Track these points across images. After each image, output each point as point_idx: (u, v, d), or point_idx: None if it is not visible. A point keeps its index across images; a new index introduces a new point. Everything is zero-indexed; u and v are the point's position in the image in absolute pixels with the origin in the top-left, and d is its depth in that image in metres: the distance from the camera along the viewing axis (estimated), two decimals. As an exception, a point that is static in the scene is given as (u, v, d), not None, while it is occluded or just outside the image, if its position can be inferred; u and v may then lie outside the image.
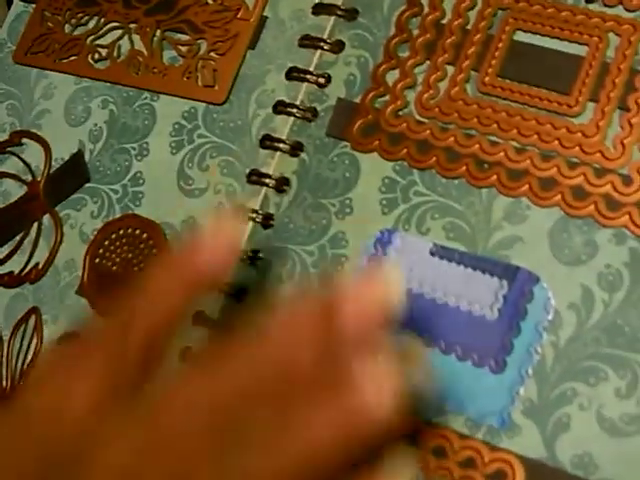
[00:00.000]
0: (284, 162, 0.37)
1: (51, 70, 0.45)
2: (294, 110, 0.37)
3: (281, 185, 0.37)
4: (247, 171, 0.38)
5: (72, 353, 0.26)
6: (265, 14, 0.40)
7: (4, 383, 0.42)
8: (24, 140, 0.45)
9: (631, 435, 0.29)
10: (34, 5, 0.47)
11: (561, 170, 0.31)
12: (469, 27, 0.34)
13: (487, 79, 0.33)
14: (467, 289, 0.32)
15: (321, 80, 0.37)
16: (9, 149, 0.45)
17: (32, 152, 0.44)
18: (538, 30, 0.33)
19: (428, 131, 0.34)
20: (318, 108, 0.37)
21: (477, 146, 0.33)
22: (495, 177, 0.32)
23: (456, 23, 0.34)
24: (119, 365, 0.25)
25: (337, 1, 0.38)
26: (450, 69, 0.34)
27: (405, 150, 0.34)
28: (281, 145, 0.37)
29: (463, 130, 0.33)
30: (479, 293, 0.32)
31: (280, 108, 0.38)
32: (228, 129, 0.39)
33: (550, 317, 0.30)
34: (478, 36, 0.34)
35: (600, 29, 0.32)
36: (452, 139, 0.33)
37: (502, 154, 0.32)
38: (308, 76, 0.37)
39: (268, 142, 0.38)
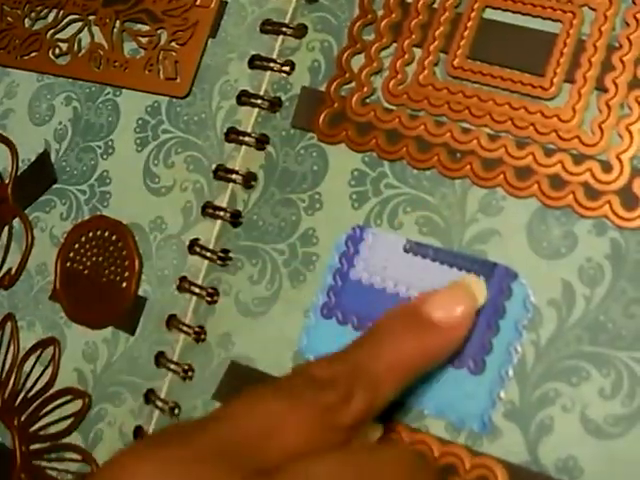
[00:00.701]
0: (250, 156, 0.35)
1: (13, 67, 0.43)
2: (258, 101, 0.35)
3: (248, 181, 0.35)
4: (213, 167, 0.36)
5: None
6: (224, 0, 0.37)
7: (-17, 392, 0.41)
8: (-10, 141, 0.43)
9: (617, 437, 0.27)
10: (-8, -1, 0.44)
11: (537, 158, 0.28)
12: (436, 5, 0.32)
13: (456, 61, 0.31)
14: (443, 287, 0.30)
15: (285, 68, 0.35)
16: (-25, 151, 0.43)
17: (-1, 154, 0.43)
18: (508, 7, 0.30)
19: (397, 119, 0.31)
20: (283, 98, 0.35)
21: (448, 134, 0.30)
22: (468, 167, 0.30)
23: (422, 2, 0.32)
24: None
25: (295, -19, 0.35)
26: (418, 52, 0.32)
27: (374, 140, 0.32)
28: (246, 138, 0.35)
29: (433, 117, 0.31)
30: (455, 291, 0.30)
31: (244, 99, 0.35)
32: (192, 123, 0.37)
33: (530, 315, 0.28)
34: (446, 15, 0.31)
35: (573, 3, 0.29)
36: (422, 127, 0.31)
37: (475, 142, 0.30)
38: (271, 64, 0.35)
39: (233, 135, 0.35)
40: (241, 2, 0.37)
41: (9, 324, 0.40)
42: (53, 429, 0.38)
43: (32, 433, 0.39)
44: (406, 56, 0.32)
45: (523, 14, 0.30)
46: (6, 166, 0.42)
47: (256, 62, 0.35)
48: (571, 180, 0.28)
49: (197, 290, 0.35)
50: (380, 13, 0.33)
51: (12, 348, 0.40)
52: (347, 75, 0.33)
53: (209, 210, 0.35)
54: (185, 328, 0.35)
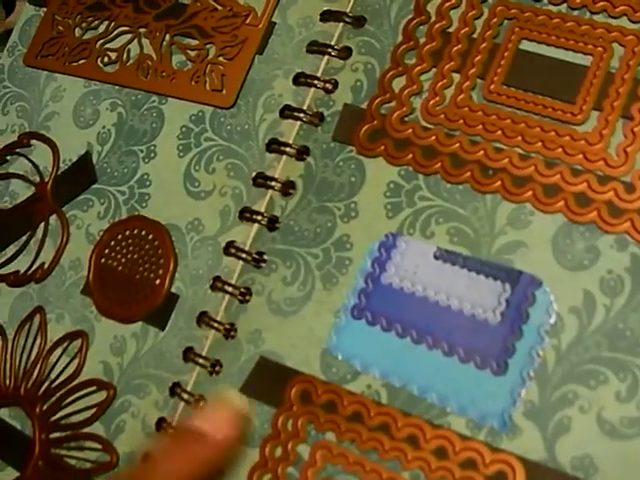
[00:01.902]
0: (290, 166, 0.38)
1: (61, 73, 0.45)
2: (301, 115, 0.38)
3: (287, 188, 0.37)
4: (253, 174, 0.38)
5: None
6: (274, 20, 0.40)
7: (7, 382, 0.42)
8: (33, 142, 0.45)
9: (631, 438, 0.29)
10: (45, 9, 0.47)
11: (565, 177, 0.31)
12: (475, 36, 0.35)
13: (493, 87, 0.34)
14: (470, 292, 0.32)
15: (328, 86, 0.38)
16: (18, 150, 0.45)
17: (40, 153, 0.45)
18: (544, 40, 0.33)
19: (433, 137, 0.34)
20: (325, 113, 0.37)
21: (482, 152, 0.33)
22: (499, 183, 0.32)
23: (462, 31, 0.35)
24: None
25: (345, 8, 0.38)
26: (456, 77, 0.35)
27: (410, 155, 0.35)
28: (287, 149, 0.37)
29: (468, 137, 0.34)
30: (482, 296, 0.32)
31: (287, 113, 0.38)
32: (235, 133, 0.39)
33: (552, 321, 0.31)
34: (484, 45, 0.34)
35: (605, 39, 0.32)
36: (457, 145, 0.34)
37: (507, 160, 0.33)
38: (315, 81, 0.38)
39: (275, 146, 0.38)
40: (289, 24, 0.40)
41: (38, 316, 0.42)
42: (75, 419, 0.40)
43: (53, 422, 0.40)
44: (445, 80, 0.35)
45: (557, 47, 0.33)
46: (47, 165, 0.44)
47: (300, 79, 0.38)
48: (596, 198, 0.31)
49: (230, 289, 0.37)
50: (422, 40, 0.36)
51: (39, 340, 0.42)
52: (388, 95, 0.36)
53: (247, 214, 0.38)
54: (216, 324, 0.37)
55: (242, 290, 0.37)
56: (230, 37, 0.41)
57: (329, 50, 0.38)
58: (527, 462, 0.30)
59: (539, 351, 0.31)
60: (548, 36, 0.33)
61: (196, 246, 0.39)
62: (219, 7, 0.42)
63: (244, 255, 0.37)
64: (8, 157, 0.46)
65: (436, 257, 0.33)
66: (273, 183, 0.37)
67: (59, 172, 0.44)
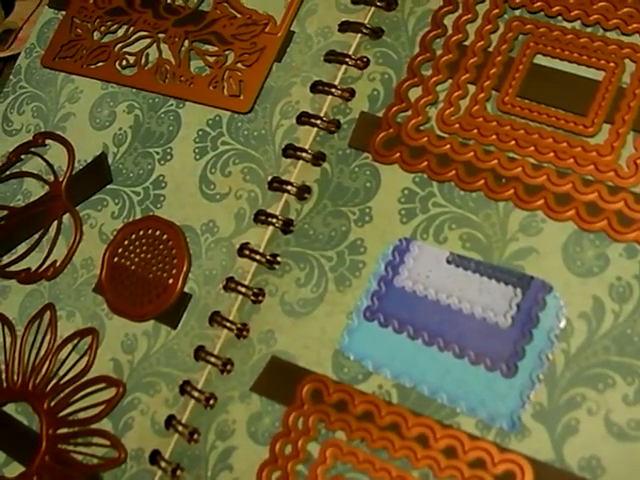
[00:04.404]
0: (306, 171, 0.39)
1: (78, 75, 0.47)
2: (317, 121, 0.39)
3: (303, 193, 0.39)
4: (269, 178, 0.40)
5: None
6: (292, 29, 0.42)
7: (15, 377, 0.43)
8: (48, 141, 0.46)
9: (638, 440, 0.30)
10: (64, 12, 0.49)
11: (576, 186, 0.33)
12: (491, 49, 0.37)
13: (507, 98, 0.35)
14: (482, 296, 0.34)
15: (345, 94, 0.39)
16: (32, 149, 0.47)
17: (55, 153, 0.46)
18: (558, 54, 0.35)
19: (448, 145, 0.36)
20: (341, 120, 0.39)
21: (496, 161, 0.35)
22: (512, 191, 0.34)
23: (478, 45, 0.37)
24: None
25: (363, 20, 0.40)
26: (471, 88, 0.36)
27: (425, 163, 0.36)
28: (304, 154, 0.39)
29: (482, 146, 0.35)
30: (493, 301, 0.33)
31: (304, 119, 0.40)
32: (252, 137, 0.41)
33: (562, 325, 0.32)
34: (499, 58, 0.36)
35: (617, 55, 0.34)
36: (472, 154, 0.35)
37: (519, 169, 0.34)
38: (333, 89, 0.39)
39: (291, 151, 0.39)
40: (308, 33, 0.41)
41: (48, 313, 0.43)
42: (83, 415, 0.41)
43: (61, 418, 0.41)
44: (460, 91, 0.36)
45: (570, 62, 0.35)
46: (61, 165, 0.46)
47: (318, 87, 0.40)
48: (606, 208, 0.32)
49: (243, 290, 0.38)
50: (439, 52, 0.38)
51: (49, 336, 0.43)
52: (404, 104, 0.37)
53: (262, 217, 0.39)
54: (228, 324, 0.38)
55: (255, 291, 0.38)
56: (249, 44, 0.42)
57: (347, 60, 0.39)
58: (535, 462, 0.31)
59: (549, 355, 0.32)
60: (562, 51, 0.35)
61: (210, 247, 0.40)
62: (238, 15, 0.43)
63: (258, 257, 0.38)
64: (22, 156, 0.47)
65: (449, 262, 0.35)
66: (289, 187, 0.39)
67: (74, 172, 0.45)
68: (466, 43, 0.37)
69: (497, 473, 0.32)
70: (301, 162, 0.39)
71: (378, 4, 0.39)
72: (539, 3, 0.36)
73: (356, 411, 0.34)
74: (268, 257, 0.38)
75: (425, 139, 0.36)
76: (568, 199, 0.33)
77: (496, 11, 0.37)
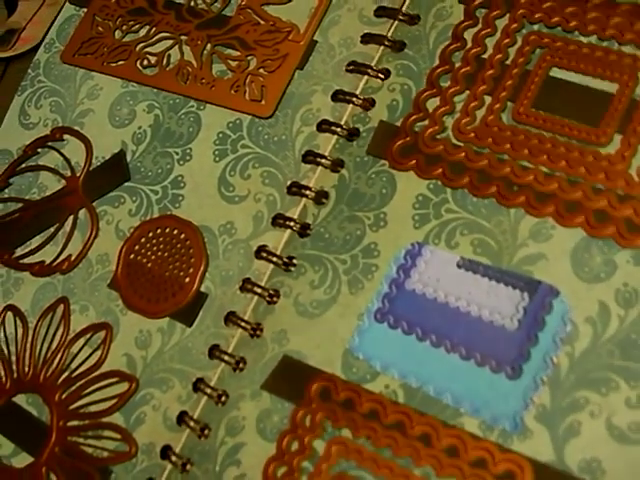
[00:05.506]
0: (324, 177, 0.42)
1: (98, 72, 0.51)
2: (337, 129, 0.43)
3: (320, 197, 0.42)
4: (288, 183, 0.43)
5: None
6: (315, 39, 0.46)
7: (26, 369, 0.46)
8: (65, 136, 0.50)
9: (638, 443, 0.33)
10: (85, 9, 0.53)
11: (587, 194, 0.36)
12: (508, 62, 0.40)
13: (522, 109, 0.39)
14: (489, 300, 0.37)
15: (366, 104, 0.43)
16: (49, 144, 0.50)
17: (73, 148, 0.50)
18: (573, 67, 0.38)
19: (463, 154, 0.39)
20: (360, 129, 0.42)
21: (509, 169, 0.38)
22: (524, 198, 0.37)
23: (496, 58, 0.40)
24: None
25: (385, 32, 0.44)
26: (487, 99, 0.40)
27: (440, 170, 0.40)
28: (323, 160, 0.42)
29: (496, 154, 0.39)
30: (501, 304, 0.37)
31: (324, 127, 0.43)
32: (272, 142, 0.44)
33: (568, 329, 0.35)
34: (516, 70, 0.40)
35: (631, 69, 0.37)
36: (485, 162, 0.39)
37: (532, 178, 0.37)
38: (354, 99, 0.43)
39: (310, 157, 0.43)
40: (331, 43, 0.45)
41: (61, 306, 0.47)
42: (94, 408, 0.44)
43: (71, 410, 0.44)
44: (477, 102, 0.40)
45: (585, 74, 0.38)
46: (78, 160, 0.49)
47: (339, 96, 0.43)
48: (615, 215, 0.36)
49: (259, 290, 0.42)
50: (458, 64, 0.41)
51: (61, 330, 0.46)
52: (422, 114, 0.41)
53: (279, 221, 0.43)
54: (243, 323, 0.41)
55: (270, 292, 0.41)
56: (272, 51, 0.46)
57: (368, 70, 0.43)
58: (536, 463, 0.34)
59: (553, 357, 0.35)
60: (577, 64, 0.38)
61: (228, 248, 0.44)
62: (262, 22, 0.47)
63: (275, 259, 0.42)
64: (39, 150, 0.51)
65: (459, 266, 0.38)
66: (307, 192, 0.42)
67: (91, 168, 0.49)
68: (484, 56, 0.41)
69: (497, 473, 0.35)
70: (320, 168, 0.43)
71: (401, 18, 0.43)
72: (557, 18, 0.40)
73: (362, 410, 0.38)
74: (285, 259, 0.42)
75: (441, 147, 0.40)
76: (578, 206, 0.36)
77: (515, 26, 0.41)
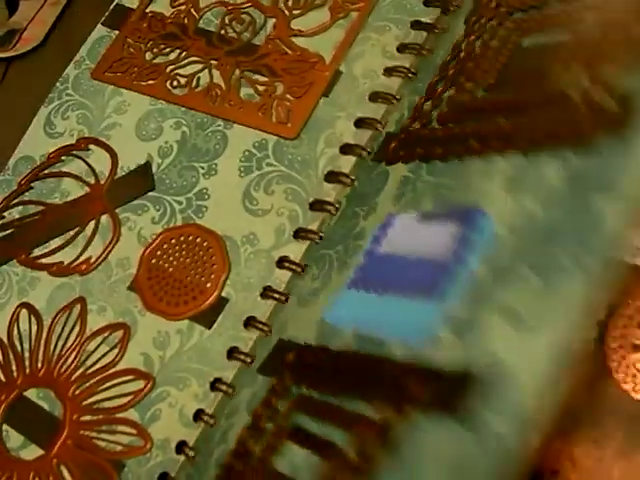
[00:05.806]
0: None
1: (127, 89, 0.53)
2: (361, 152, 0.46)
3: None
4: (311, 200, 0.46)
5: None
6: (340, 69, 0.49)
7: (39, 365, 0.48)
8: (91, 146, 0.52)
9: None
10: (117, 32, 0.56)
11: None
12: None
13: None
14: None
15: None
16: (74, 152, 0.52)
17: (97, 158, 0.52)
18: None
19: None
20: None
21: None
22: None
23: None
24: None
25: (406, 64, 0.48)
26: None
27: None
28: (345, 179, 0.46)
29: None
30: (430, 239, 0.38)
31: (347, 149, 0.47)
32: (296, 162, 0.48)
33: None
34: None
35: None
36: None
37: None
38: (377, 125, 0.47)
39: (333, 177, 0.46)
40: (354, 74, 0.49)
41: (78, 306, 0.48)
42: (108, 404, 0.45)
43: (85, 405, 0.46)
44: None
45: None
46: (103, 170, 0.51)
47: (362, 123, 0.47)
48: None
49: (277, 296, 0.45)
50: (476, 102, 0.46)
51: (77, 328, 0.48)
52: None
53: (302, 234, 0.46)
54: (261, 326, 0.44)
55: (288, 297, 0.44)
56: (298, 78, 0.50)
57: (390, 99, 0.47)
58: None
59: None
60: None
61: (250, 257, 0.46)
62: (289, 52, 0.51)
63: (294, 267, 0.45)
64: (63, 157, 0.53)
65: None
66: (329, 207, 0.45)
67: (116, 177, 0.51)
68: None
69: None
70: (342, 186, 0.46)
71: (424, 53, 0.47)
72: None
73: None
74: (304, 267, 0.45)
75: (459, 176, 0.44)
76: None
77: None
